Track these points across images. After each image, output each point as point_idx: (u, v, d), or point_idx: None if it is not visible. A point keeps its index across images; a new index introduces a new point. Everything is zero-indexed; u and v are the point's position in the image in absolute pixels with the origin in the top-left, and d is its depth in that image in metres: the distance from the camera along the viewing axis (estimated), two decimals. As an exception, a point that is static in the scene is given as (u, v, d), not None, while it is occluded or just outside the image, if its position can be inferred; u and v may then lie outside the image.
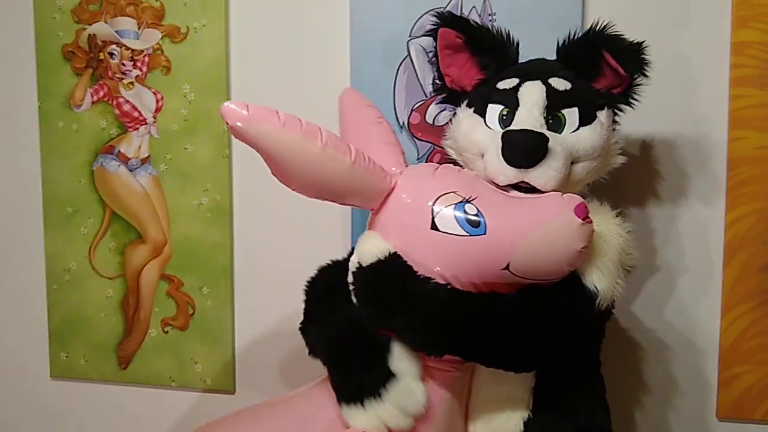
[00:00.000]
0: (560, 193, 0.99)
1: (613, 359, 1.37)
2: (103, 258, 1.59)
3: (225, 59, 1.48)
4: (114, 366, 1.61)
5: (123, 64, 1.53)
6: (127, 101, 1.53)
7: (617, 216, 1.09)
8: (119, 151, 1.55)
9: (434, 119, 1.40)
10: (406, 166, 1.12)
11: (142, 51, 1.52)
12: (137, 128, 1.54)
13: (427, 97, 1.40)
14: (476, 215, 0.97)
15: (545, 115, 1.05)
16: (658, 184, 1.34)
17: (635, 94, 1.11)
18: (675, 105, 1.32)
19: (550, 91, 1.06)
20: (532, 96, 1.06)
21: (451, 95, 1.20)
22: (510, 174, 1.03)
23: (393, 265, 0.99)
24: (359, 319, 1.04)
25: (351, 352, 1.05)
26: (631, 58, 1.05)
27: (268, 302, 1.54)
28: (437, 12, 1.16)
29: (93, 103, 1.55)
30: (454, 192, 0.99)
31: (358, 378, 1.03)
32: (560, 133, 1.04)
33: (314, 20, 1.46)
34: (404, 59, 1.40)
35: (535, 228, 0.95)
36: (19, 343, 1.67)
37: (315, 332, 1.12)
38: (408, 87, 1.41)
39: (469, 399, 1.13)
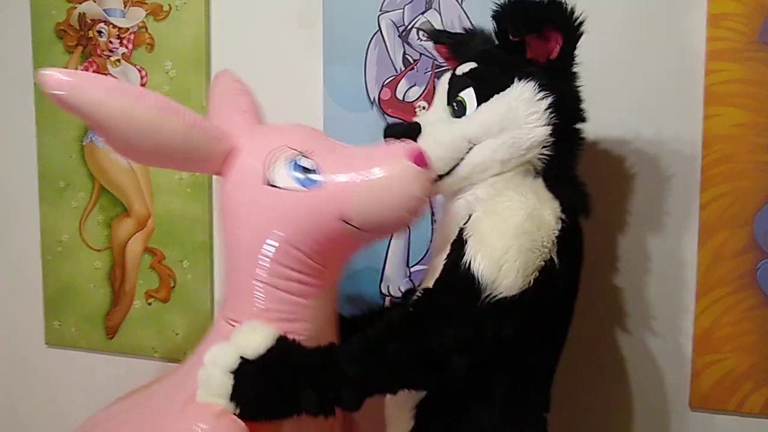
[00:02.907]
0: (400, 142, 0.97)
1: (580, 347, 1.34)
2: (92, 231, 1.64)
3: (205, 36, 1.51)
4: (102, 335, 1.66)
5: (110, 42, 1.57)
6: (115, 78, 1.57)
7: (551, 198, 0.96)
8: (107, 126, 1.59)
9: (404, 95, 1.39)
10: None
11: (128, 29, 1.55)
12: (123, 104, 1.58)
13: (397, 72, 1.39)
14: (310, 168, 0.96)
15: (449, 102, 1.04)
16: (629, 163, 1.29)
17: (572, 55, 1.02)
18: (649, 80, 1.27)
19: (452, 77, 1.05)
20: (440, 87, 1.07)
21: None
22: None
23: (284, 347, 0.94)
24: None
25: None
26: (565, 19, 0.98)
27: (246, 277, 1.56)
28: (426, 29, 1.32)
29: (83, 79, 1.60)
30: (288, 146, 0.98)
31: None
32: (466, 116, 1.01)
33: (290, -3, 1.47)
34: (375, 34, 1.39)
35: (369, 176, 0.94)
36: (16, 312, 1.75)
37: None
38: (378, 62, 1.40)
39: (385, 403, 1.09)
